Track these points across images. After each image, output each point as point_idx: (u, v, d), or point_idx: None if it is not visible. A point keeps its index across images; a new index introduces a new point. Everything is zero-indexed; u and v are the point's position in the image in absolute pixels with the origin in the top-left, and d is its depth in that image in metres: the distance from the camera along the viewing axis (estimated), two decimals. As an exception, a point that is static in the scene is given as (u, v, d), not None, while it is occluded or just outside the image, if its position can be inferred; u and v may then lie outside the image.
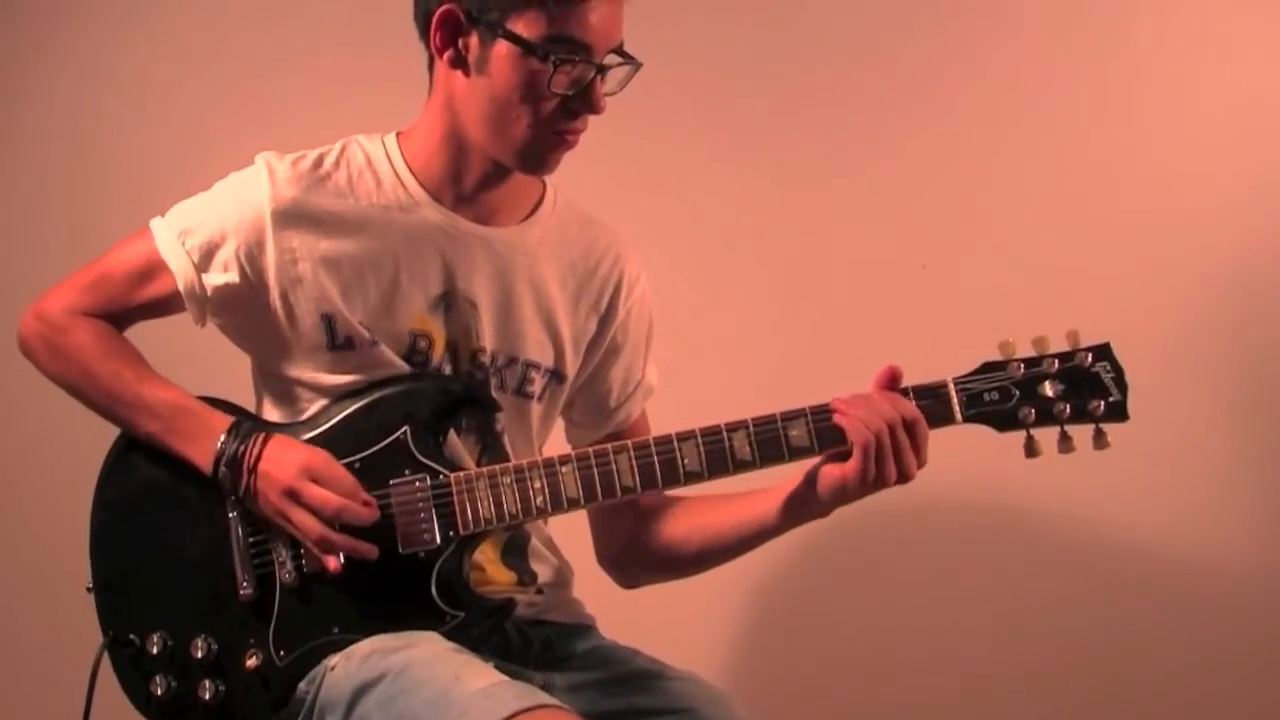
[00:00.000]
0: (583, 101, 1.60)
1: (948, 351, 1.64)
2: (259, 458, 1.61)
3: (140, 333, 1.75)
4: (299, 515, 1.59)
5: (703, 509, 1.78)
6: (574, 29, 1.57)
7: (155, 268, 1.70)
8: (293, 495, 1.59)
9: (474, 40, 1.60)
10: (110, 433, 1.71)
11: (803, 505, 1.67)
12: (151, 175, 2.47)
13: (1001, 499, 2.25)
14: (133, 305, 1.73)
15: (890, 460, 1.56)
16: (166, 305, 1.72)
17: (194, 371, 1.72)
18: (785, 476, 1.66)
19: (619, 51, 1.62)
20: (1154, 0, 2.29)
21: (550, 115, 1.60)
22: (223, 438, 1.62)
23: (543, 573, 1.79)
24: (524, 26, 1.57)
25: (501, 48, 1.58)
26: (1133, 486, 2.17)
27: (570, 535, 1.84)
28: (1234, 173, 2.23)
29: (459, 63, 1.63)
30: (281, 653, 1.62)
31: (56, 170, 2.64)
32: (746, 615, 2.38)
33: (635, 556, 1.84)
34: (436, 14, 1.61)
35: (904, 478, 1.58)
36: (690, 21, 2.34)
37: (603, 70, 1.60)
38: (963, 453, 1.65)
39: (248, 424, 1.65)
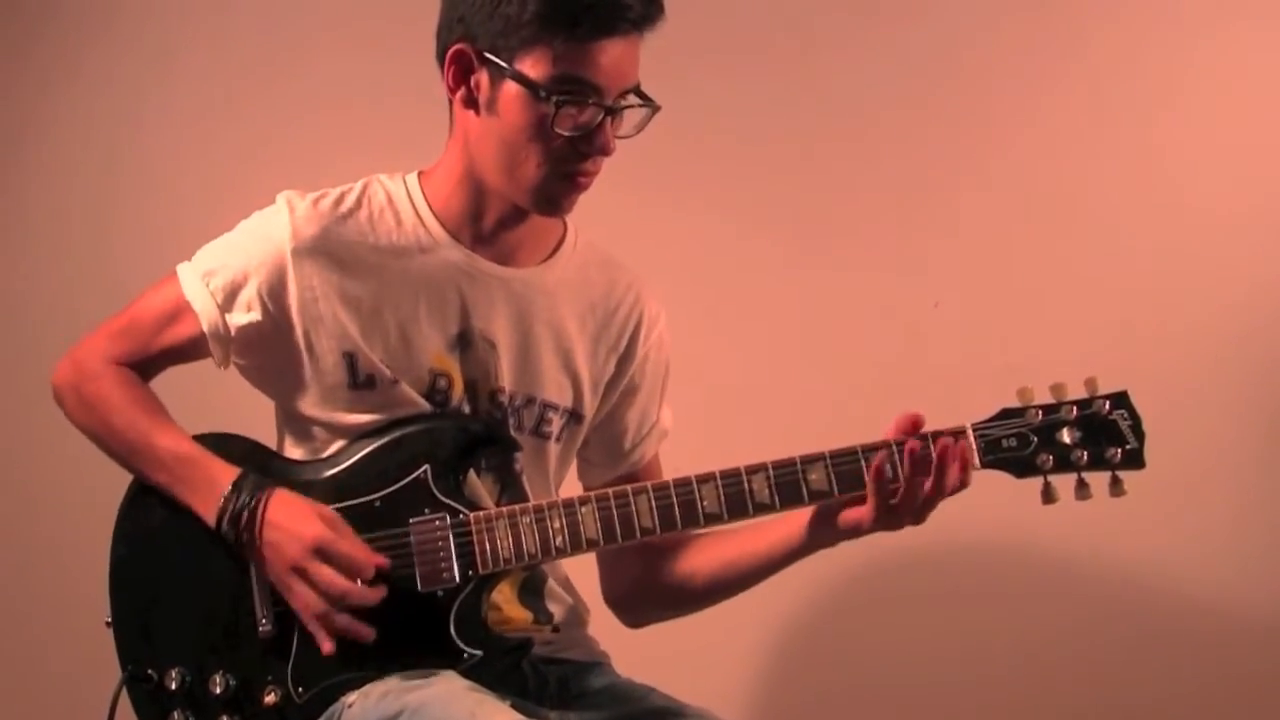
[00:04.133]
0: (590, 143, 1.60)
1: (959, 388, 1.65)
2: (263, 523, 1.60)
3: (168, 373, 1.76)
4: (303, 592, 1.58)
5: (710, 543, 1.78)
6: (582, 70, 1.56)
7: (180, 310, 1.71)
8: (300, 572, 1.58)
9: (484, 79, 1.61)
10: (132, 467, 1.72)
11: (813, 540, 1.68)
12: (179, 222, 2.45)
13: (1016, 534, 2.25)
14: (160, 349, 1.73)
15: (908, 517, 1.58)
16: (194, 348, 1.72)
17: (222, 411, 1.72)
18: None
19: (636, 92, 1.62)
20: (1162, 47, 2.31)
21: (559, 156, 1.60)
22: (225, 494, 1.61)
23: (558, 612, 1.79)
24: (531, 66, 1.57)
25: (510, 87, 1.59)
26: (1147, 524, 2.16)
27: (585, 574, 1.85)
28: (1251, 212, 2.24)
29: (470, 102, 1.63)
30: (300, 689, 1.62)
31: (80, 218, 2.66)
32: (760, 651, 2.39)
33: (643, 593, 1.84)
34: (449, 53, 1.62)
35: (916, 523, 1.60)
36: (703, 71, 2.35)
37: (612, 112, 1.60)
38: (977, 487, 1.66)
39: (253, 477, 1.63)
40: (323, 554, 1.58)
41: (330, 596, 1.58)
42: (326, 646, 1.58)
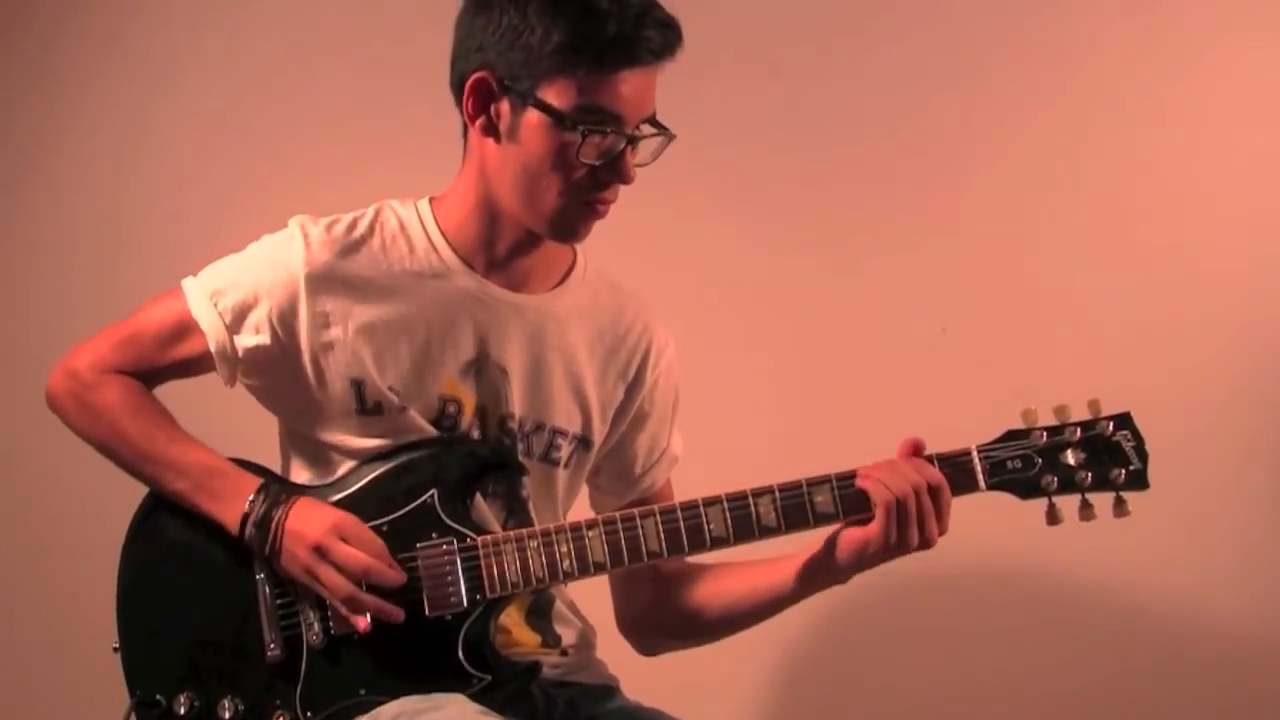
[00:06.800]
0: (612, 172, 1.61)
1: (967, 414, 1.65)
2: (286, 518, 1.62)
3: (169, 392, 1.77)
4: (327, 572, 1.60)
5: (723, 575, 1.79)
6: (605, 99, 1.58)
7: (186, 328, 1.71)
8: (321, 552, 1.60)
9: (505, 108, 1.62)
10: (138, 491, 1.72)
11: (822, 571, 1.68)
12: (182, 237, 2.50)
13: (1024, 562, 2.25)
14: (162, 364, 1.74)
15: (913, 525, 1.58)
16: (197, 365, 1.73)
17: (222, 432, 1.73)
18: (807, 542, 1.68)
19: (652, 122, 1.64)
20: (1171, 69, 2.32)
21: (580, 184, 1.62)
22: (251, 498, 1.63)
23: (566, 635, 1.80)
24: (555, 95, 1.58)
25: (532, 116, 1.60)
26: (1156, 551, 2.17)
27: (592, 597, 1.85)
28: (1257, 236, 2.25)
29: (491, 130, 1.64)
30: (308, 714, 1.62)
31: (88, 231, 2.67)
32: (770, 675, 2.38)
33: (656, 623, 1.85)
34: (469, 81, 1.63)
35: (925, 544, 1.60)
36: (711, 90, 2.37)
37: (633, 141, 1.61)
38: (984, 516, 1.67)
39: (276, 485, 1.66)
40: (340, 533, 1.60)
41: (354, 573, 1.59)
42: (362, 624, 1.60)
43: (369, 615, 1.60)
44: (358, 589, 1.59)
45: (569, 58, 1.56)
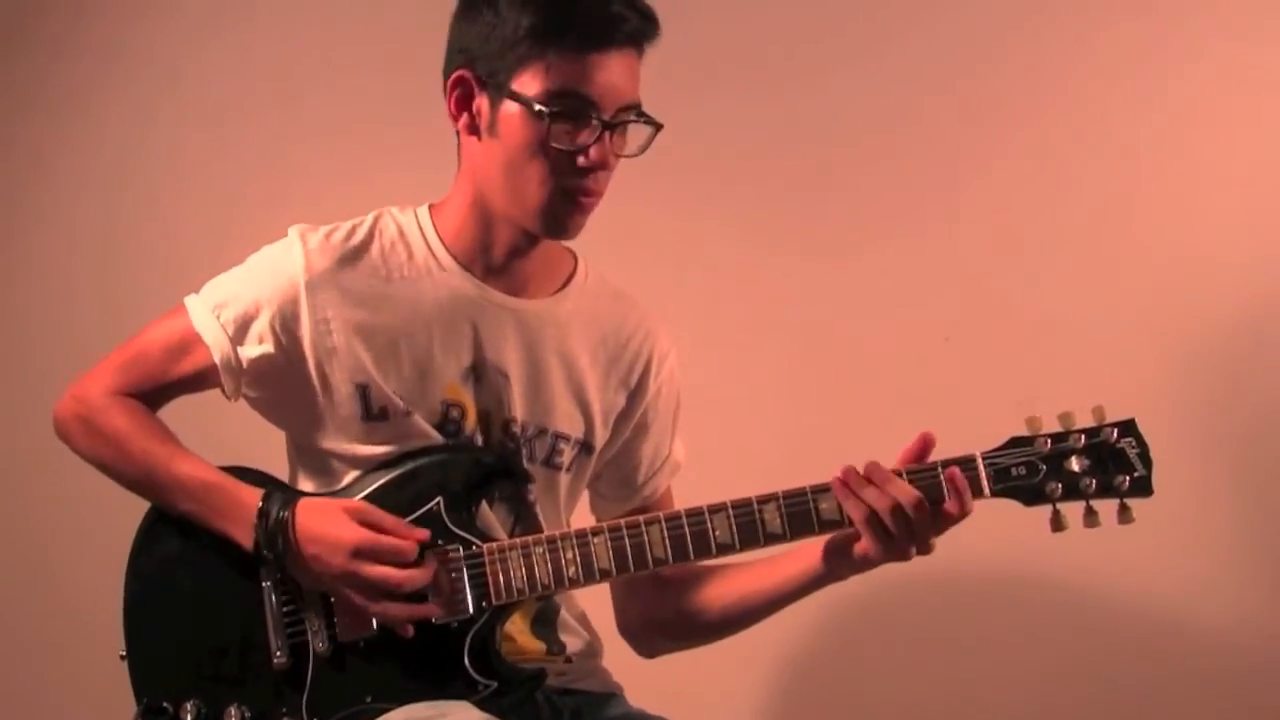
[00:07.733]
0: (589, 158, 1.60)
1: (970, 421, 1.65)
2: (298, 537, 1.61)
3: (176, 406, 1.77)
4: (358, 596, 1.60)
5: (722, 575, 1.79)
6: (576, 83, 1.58)
7: (190, 342, 1.71)
8: (349, 578, 1.59)
9: (484, 104, 1.63)
10: (144, 500, 1.72)
11: (824, 572, 1.69)
12: (182, 252, 2.50)
13: (1027, 568, 2.26)
14: (168, 381, 1.73)
15: (909, 542, 1.58)
16: (203, 380, 1.73)
17: (229, 445, 1.73)
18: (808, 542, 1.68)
19: (636, 110, 1.63)
20: (1175, 77, 2.31)
21: (560, 173, 1.61)
22: (255, 520, 1.62)
23: (571, 644, 1.80)
24: (527, 83, 1.59)
25: (509, 108, 1.60)
26: (1158, 557, 2.17)
27: (597, 604, 1.86)
28: (1266, 240, 2.24)
29: (473, 128, 1.65)
30: (315, 721, 1.63)
31: (88, 246, 2.67)
32: (774, 682, 2.39)
33: (656, 624, 1.85)
34: (449, 80, 1.64)
35: (922, 552, 1.60)
36: (715, 96, 2.36)
37: (610, 127, 1.60)
38: (987, 522, 1.66)
39: (278, 495, 1.64)
40: (365, 554, 1.59)
41: (387, 591, 1.59)
42: (409, 631, 1.61)
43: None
44: (392, 604, 1.60)
45: (538, 43, 1.57)
